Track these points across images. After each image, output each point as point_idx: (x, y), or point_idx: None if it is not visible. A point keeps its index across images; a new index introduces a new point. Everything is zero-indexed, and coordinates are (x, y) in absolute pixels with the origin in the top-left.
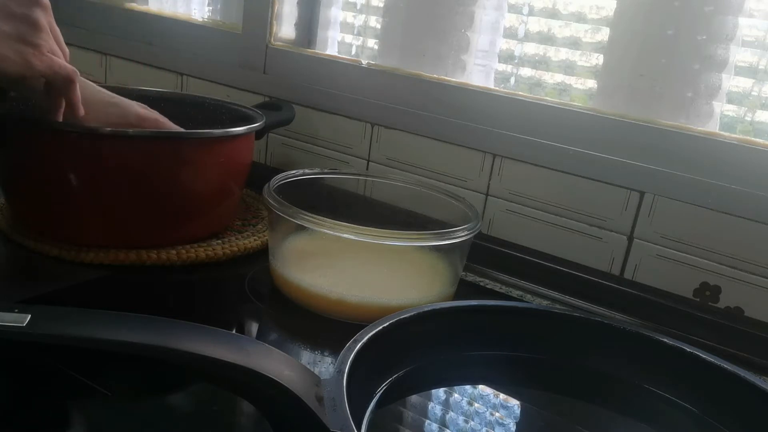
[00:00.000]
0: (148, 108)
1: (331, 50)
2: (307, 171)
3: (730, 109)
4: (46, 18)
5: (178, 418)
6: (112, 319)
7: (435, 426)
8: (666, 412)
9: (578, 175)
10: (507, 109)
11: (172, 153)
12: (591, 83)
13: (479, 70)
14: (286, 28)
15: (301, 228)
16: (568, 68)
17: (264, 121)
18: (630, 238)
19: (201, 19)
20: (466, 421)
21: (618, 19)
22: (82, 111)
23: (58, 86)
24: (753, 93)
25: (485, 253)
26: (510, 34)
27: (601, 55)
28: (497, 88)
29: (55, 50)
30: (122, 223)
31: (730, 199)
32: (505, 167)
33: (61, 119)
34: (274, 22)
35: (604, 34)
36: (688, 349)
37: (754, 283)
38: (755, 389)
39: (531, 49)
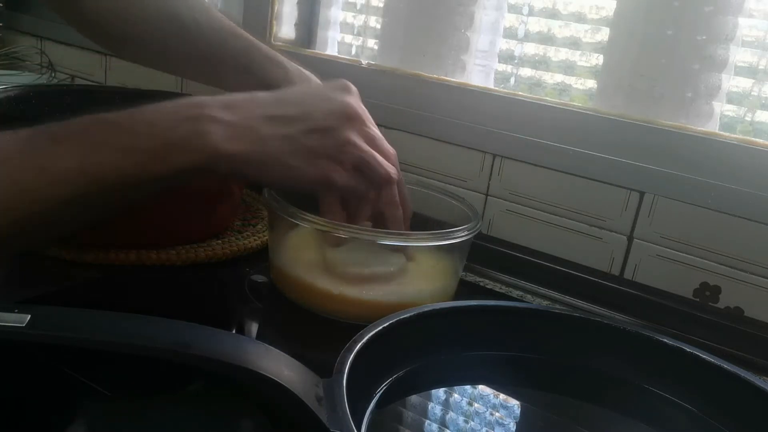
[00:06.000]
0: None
1: (331, 50)
2: None
3: (730, 109)
4: (355, 130)
5: (178, 418)
6: (112, 319)
7: (435, 426)
8: (666, 412)
9: (578, 175)
10: (507, 109)
11: None
12: (591, 83)
13: (479, 70)
14: (286, 28)
15: (301, 227)
16: (568, 68)
17: None
18: (630, 238)
19: None
20: (466, 422)
21: (618, 19)
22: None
23: (353, 203)
24: (753, 93)
25: (485, 253)
26: (510, 34)
27: (601, 55)
28: (497, 88)
29: (364, 166)
30: (122, 223)
31: (730, 199)
32: (505, 167)
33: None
34: (274, 22)
35: (604, 34)
36: (688, 349)
37: (754, 283)
38: (755, 389)
39: (531, 49)
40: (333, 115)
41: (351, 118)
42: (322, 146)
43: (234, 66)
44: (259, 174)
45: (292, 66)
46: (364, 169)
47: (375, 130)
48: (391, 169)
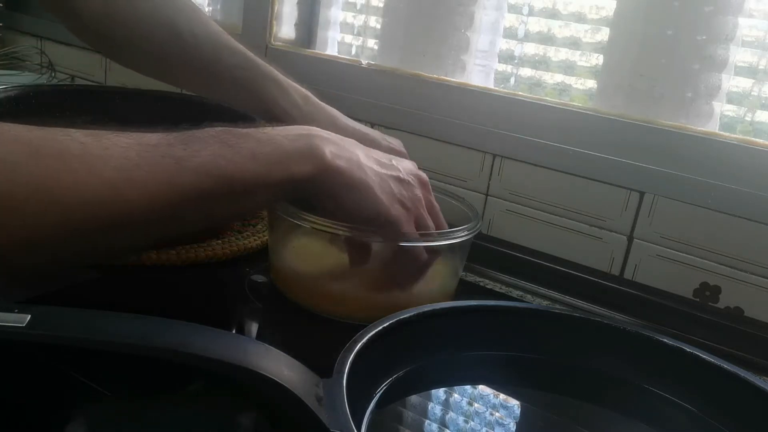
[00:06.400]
0: (389, 138)
1: (331, 50)
2: None
3: (730, 109)
4: (423, 194)
5: (178, 418)
6: (112, 319)
7: (435, 426)
8: (666, 412)
9: (578, 175)
10: (507, 109)
11: None
12: (591, 83)
13: (479, 70)
14: (286, 28)
15: (301, 228)
16: (568, 68)
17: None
18: (630, 238)
19: None
20: (466, 422)
21: (618, 19)
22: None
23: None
24: (753, 93)
25: (485, 253)
26: (510, 34)
27: (601, 55)
28: (497, 88)
29: (422, 222)
30: None
31: (730, 199)
32: (505, 167)
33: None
34: (274, 22)
35: (604, 34)
36: (688, 349)
37: (754, 283)
38: (755, 389)
39: (531, 49)
40: (411, 175)
41: (423, 183)
42: (401, 194)
43: (230, 80)
44: (353, 194)
45: (289, 83)
46: (420, 228)
47: (434, 202)
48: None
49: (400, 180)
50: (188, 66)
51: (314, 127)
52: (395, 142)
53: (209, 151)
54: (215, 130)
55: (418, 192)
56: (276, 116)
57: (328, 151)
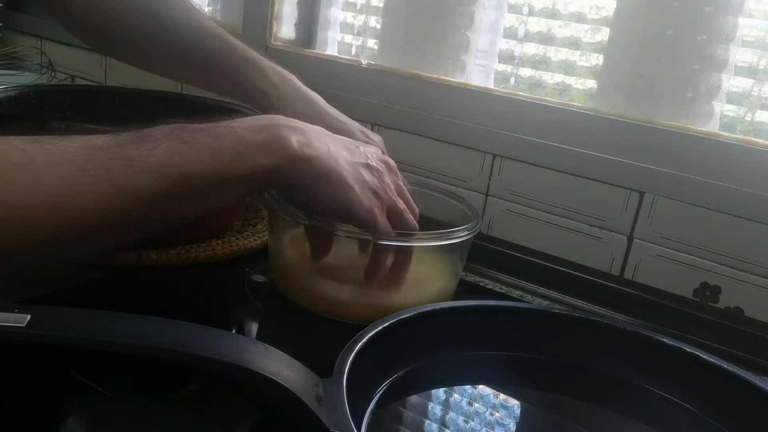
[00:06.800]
0: (368, 132)
1: (331, 50)
2: None
3: (730, 109)
4: (392, 179)
5: (178, 418)
6: (112, 319)
7: (435, 426)
8: (666, 412)
9: (578, 175)
10: (507, 109)
11: None
12: (591, 83)
13: (479, 70)
14: (286, 28)
15: (301, 228)
16: (568, 68)
17: None
18: (630, 238)
19: None
20: (466, 422)
21: (618, 19)
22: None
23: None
24: (753, 93)
25: (485, 253)
26: (510, 34)
27: (601, 55)
28: (497, 88)
29: (393, 207)
30: None
31: (730, 199)
32: (505, 167)
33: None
34: (274, 22)
35: (604, 34)
36: (688, 349)
37: (754, 283)
38: (755, 389)
39: (531, 49)
40: (380, 161)
41: (390, 168)
42: (372, 182)
43: (210, 66)
44: (324, 185)
45: (268, 65)
46: (394, 214)
47: (402, 184)
48: (415, 225)
49: (369, 167)
50: (172, 55)
51: (278, 116)
52: (375, 138)
53: (163, 149)
54: (169, 126)
55: (387, 178)
56: (254, 98)
57: (295, 140)
